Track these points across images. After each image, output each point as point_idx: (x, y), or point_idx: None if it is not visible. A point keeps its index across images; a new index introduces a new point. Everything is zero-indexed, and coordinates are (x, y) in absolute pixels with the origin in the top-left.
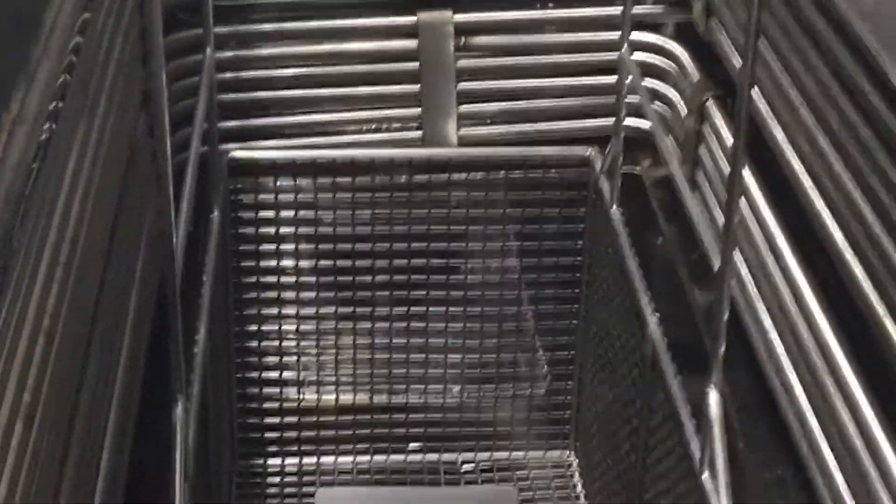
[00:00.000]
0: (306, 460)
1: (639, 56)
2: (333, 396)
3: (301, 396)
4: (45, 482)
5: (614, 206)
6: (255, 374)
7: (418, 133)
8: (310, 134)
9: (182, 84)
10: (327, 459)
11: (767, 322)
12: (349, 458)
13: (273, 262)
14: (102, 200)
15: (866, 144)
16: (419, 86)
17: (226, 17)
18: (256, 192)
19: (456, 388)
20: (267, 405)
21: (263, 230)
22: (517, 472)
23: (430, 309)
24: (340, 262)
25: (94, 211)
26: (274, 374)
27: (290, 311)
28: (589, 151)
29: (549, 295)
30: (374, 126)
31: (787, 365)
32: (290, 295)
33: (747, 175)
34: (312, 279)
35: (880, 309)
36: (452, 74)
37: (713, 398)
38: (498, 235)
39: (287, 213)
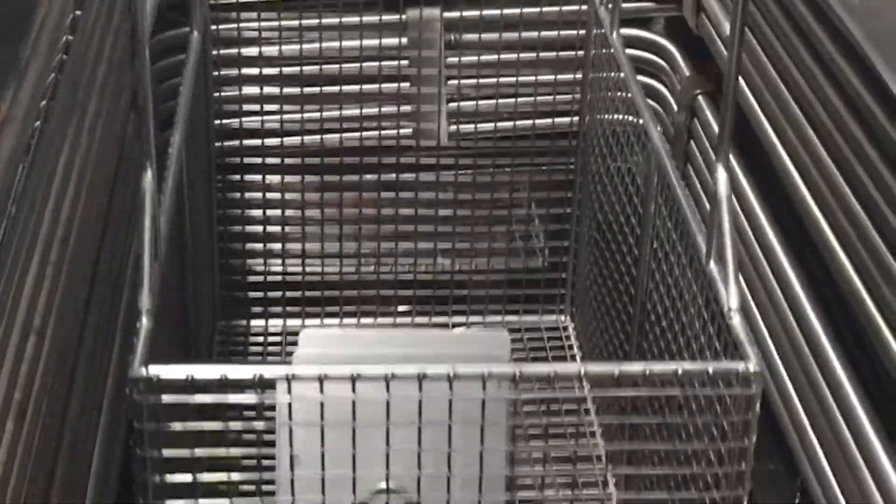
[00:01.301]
0: (290, 322)
1: (629, 52)
2: (319, 263)
3: (284, 261)
4: (36, 480)
5: (615, 34)
6: (238, 228)
7: (408, 130)
8: (299, 133)
9: (171, 84)
10: (313, 322)
11: (756, 315)
12: (335, 321)
13: (256, 109)
14: (93, 198)
15: (854, 138)
16: (408, 83)
17: (213, 16)
18: (239, 29)
19: (446, 257)
20: (251, 262)
21: (246, 70)
22: (511, 336)
23: (421, 176)
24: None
25: (85, 209)
26: (258, 229)
27: (274, 161)
28: None
29: (546, 148)
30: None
31: (776, 357)
32: (273, 143)
33: (735, 169)
34: (296, 126)
35: (869, 301)
36: (441, 71)
37: (721, 175)
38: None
39: (271, 51)
